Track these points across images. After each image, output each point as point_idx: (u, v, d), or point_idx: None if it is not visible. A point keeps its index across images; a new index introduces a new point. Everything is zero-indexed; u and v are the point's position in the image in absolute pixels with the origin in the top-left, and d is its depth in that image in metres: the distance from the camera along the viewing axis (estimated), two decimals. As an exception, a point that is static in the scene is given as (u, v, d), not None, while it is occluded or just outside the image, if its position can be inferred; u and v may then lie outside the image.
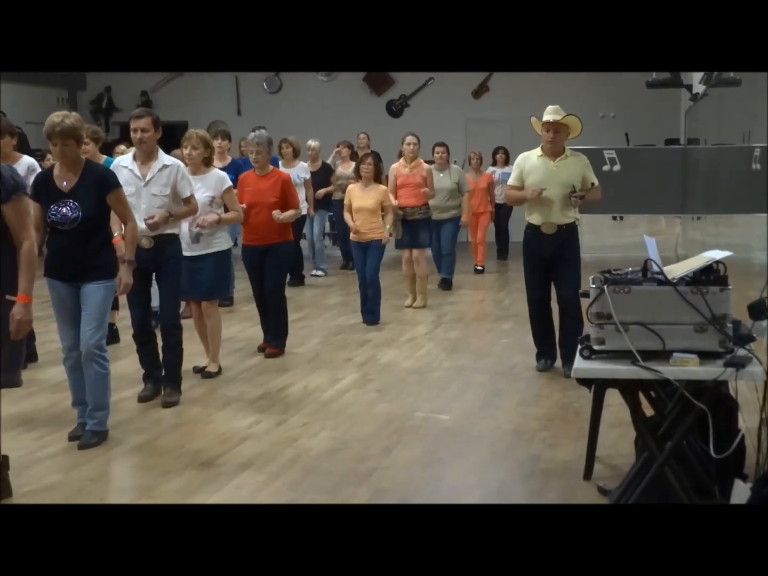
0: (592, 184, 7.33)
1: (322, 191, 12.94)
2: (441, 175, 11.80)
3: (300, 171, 12.32)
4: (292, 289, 12.27)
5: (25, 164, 7.31)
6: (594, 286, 4.34)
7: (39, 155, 11.47)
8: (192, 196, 6.78)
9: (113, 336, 8.26)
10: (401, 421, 6.36)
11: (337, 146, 13.83)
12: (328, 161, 13.82)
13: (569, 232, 7.41)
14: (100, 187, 5.79)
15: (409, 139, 10.81)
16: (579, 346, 4.42)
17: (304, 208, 12.51)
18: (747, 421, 4.75)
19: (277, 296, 8.33)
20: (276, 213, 8.01)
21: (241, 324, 9.65)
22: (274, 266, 8.21)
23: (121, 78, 18.66)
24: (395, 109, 18.52)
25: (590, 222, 15.91)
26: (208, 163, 7.45)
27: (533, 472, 5.36)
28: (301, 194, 12.17)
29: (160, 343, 6.88)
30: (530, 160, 7.41)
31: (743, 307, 4.37)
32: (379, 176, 9.93)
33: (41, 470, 5.41)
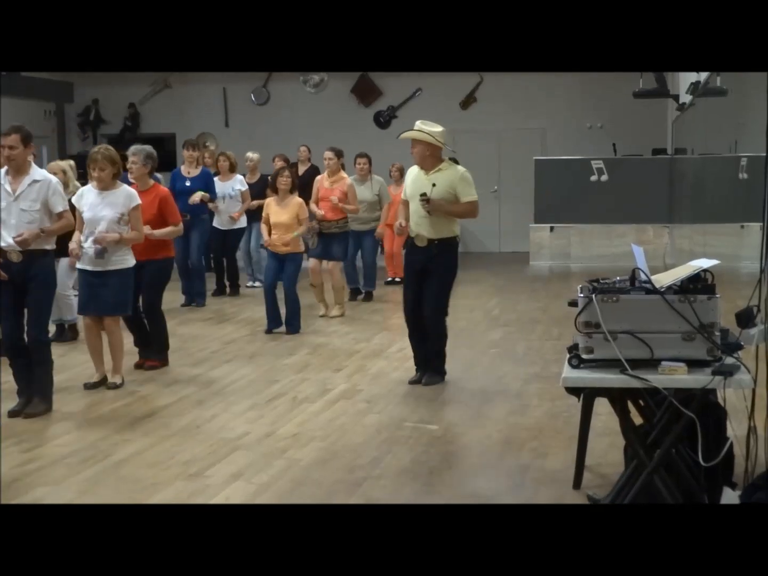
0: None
1: (254, 203, 12.58)
2: (362, 186, 11.75)
3: (236, 183, 12.55)
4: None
5: None
6: (582, 295, 4.35)
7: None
8: (66, 211, 6.72)
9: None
10: (390, 431, 6.36)
11: (274, 159, 13.32)
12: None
13: (442, 247, 7.33)
14: None
15: (326, 153, 10.80)
16: (567, 356, 4.43)
17: (244, 220, 12.69)
18: (736, 429, 4.76)
19: (152, 312, 8.26)
20: (145, 229, 7.68)
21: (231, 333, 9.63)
22: (147, 283, 8.13)
23: (108, 90, 18.64)
24: (383, 120, 18.53)
25: (579, 232, 16.00)
26: (116, 177, 7.40)
27: (523, 482, 5.37)
28: (238, 207, 12.47)
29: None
30: (412, 173, 7.54)
31: (732, 315, 4.39)
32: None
33: (29, 483, 5.38)
